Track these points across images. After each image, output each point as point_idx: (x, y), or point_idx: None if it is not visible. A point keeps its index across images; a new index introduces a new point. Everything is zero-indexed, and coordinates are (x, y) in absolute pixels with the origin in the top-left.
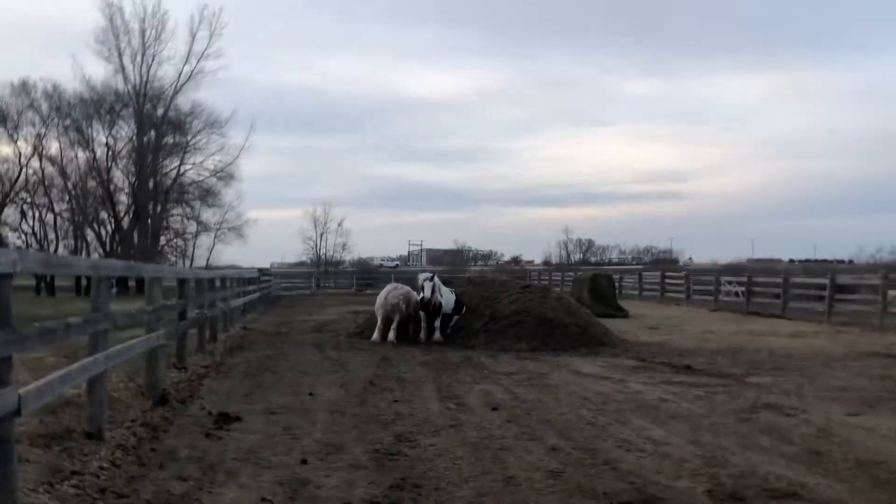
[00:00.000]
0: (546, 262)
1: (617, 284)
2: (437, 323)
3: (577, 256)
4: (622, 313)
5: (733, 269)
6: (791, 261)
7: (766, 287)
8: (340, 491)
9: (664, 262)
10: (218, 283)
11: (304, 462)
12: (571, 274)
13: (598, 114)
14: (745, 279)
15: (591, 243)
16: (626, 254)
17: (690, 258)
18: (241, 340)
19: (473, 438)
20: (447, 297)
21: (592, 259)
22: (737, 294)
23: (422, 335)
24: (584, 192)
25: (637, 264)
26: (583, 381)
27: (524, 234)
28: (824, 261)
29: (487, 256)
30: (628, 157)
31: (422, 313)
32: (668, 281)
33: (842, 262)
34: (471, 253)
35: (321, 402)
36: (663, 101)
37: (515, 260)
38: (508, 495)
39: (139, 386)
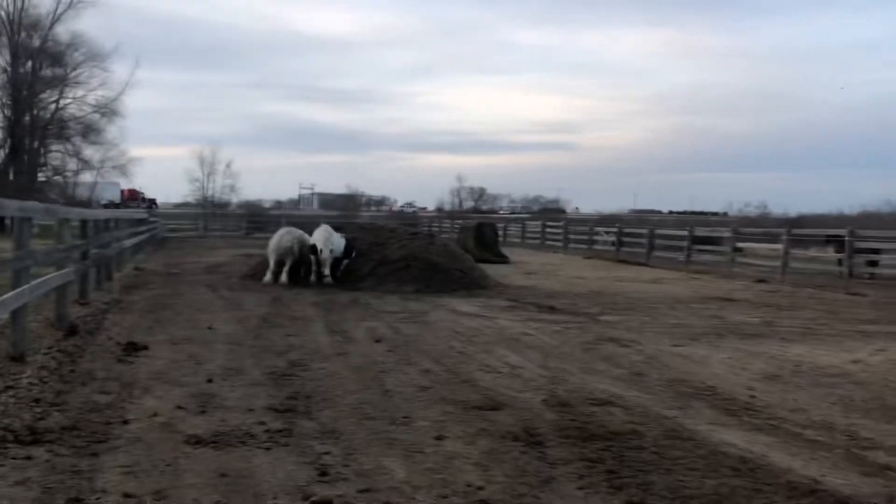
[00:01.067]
0: (439, 209)
1: (502, 233)
2: (328, 267)
3: (469, 204)
4: (503, 259)
5: (609, 220)
6: (670, 212)
7: (635, 238)
8: (244, 402)
9: (551, 212)
10: (112, 224)
11: (210, 381)
12: (461, 222)
13: (494, 62)
14: (615, 229)
15: (483, 192)
16: (517, 203)
17: (577, 208)
18: (135, 280)
19: (358, 363)
20: (338, 242)
21: (484, 207)
22: (611, 243)
23: (313, 277)
24: (477, 140)
25: (525, 213)
26: (458, 319)
27: (418, 180)
28: (700, 213)
29: (381, 202)
30: (522, 106)
31: (313, 257)
32: (548, 230)
33: (716, 214)
34: (364, 198)
35: (219, 335)
36: (558, 52)
37: (408, 206)
38: (384, 403)
39: (47, 318)
